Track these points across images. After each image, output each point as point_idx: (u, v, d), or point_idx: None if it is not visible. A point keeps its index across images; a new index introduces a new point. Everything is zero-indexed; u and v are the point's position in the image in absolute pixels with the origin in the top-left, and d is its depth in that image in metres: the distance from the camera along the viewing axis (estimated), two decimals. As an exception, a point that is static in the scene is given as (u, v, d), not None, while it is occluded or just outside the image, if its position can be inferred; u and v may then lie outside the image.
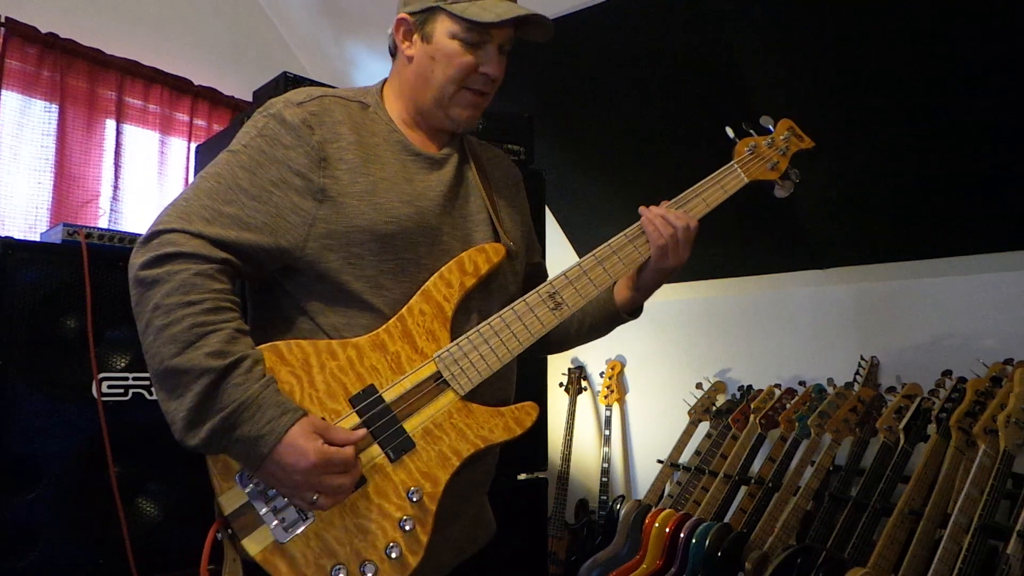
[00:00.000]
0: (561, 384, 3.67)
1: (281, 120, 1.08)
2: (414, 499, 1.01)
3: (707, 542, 2.38)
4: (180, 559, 1.88)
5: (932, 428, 2.15)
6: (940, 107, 2.28)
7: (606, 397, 3.53)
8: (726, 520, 2.53)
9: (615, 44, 2.75)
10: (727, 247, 3.06)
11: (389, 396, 1.05)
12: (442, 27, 1.13)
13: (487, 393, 1.11)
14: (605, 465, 3.35)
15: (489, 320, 1.13)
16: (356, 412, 1.03)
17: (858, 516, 2.11)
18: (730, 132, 1.36)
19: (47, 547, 1.72)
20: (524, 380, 1.24)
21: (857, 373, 2.67)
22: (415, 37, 1.16)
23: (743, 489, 2.65)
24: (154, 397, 1.22)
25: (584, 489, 3.60)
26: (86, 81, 2.88)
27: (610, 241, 1.22)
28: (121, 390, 1.87)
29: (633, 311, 1.34)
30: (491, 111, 1.45)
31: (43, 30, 2.73)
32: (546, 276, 1.43)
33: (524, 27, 1.16)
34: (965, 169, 2.36)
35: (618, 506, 2.90)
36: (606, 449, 3.40)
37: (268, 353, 1.00)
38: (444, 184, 1.17)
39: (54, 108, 2.77)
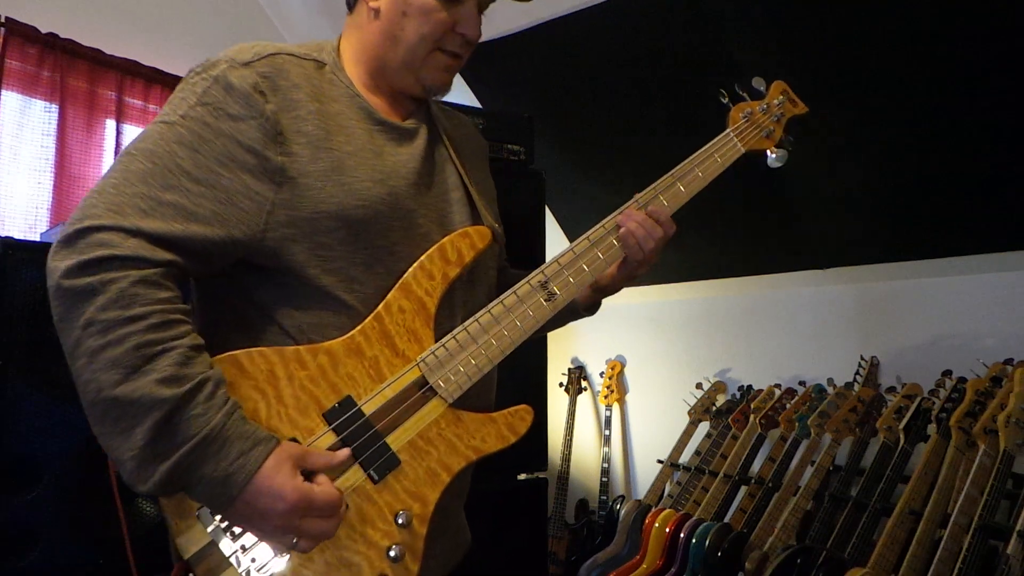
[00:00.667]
0: (561, 384, 3.67)
1: (227, 85, 0.92)
2: (401, 522, 0.90)
3: (707, 542, 2.38)
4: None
5: (932, 428, 2.15)
6: (940, 107, 2.27)
7: (606, 397, 3.53)
8: (726, 520, 2.53)
9: (615, 44, 2.75)
10: (727, 247, 3.06)
11: (369, 408, 0.92)
12: None
13: (472, 396, 0.99)
14: (605, 465, 3.35)
15: (476, 316, 1.00)
16: (332, 429, 0.89)
17: (858, 516, 2.11)
18: (723, 96, 1.28)
19: (47, 547, 1.71)
20: (523, 379, 1.22)
21: (857, 373, 2.67)
22: None
23: (743, 489, 2.65)
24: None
25: (584, 489, 3.60)
26: (86, 81, 2.88)
27: (604, 221, 1.12)
28: (121, 390, 1.86)
29: (590, 307, 1.24)
30: (491, 111, 1.43)
31: (43, 30, 2.72)
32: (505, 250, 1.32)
33: None
34: (965, 169, 2.36)
35: (618, 506, 2.90)
36: (606, 449, 3.40)
37: (226, 365, 0.86)
38: (416, 159, 1.02)
39: (54, 108, 2.76)
